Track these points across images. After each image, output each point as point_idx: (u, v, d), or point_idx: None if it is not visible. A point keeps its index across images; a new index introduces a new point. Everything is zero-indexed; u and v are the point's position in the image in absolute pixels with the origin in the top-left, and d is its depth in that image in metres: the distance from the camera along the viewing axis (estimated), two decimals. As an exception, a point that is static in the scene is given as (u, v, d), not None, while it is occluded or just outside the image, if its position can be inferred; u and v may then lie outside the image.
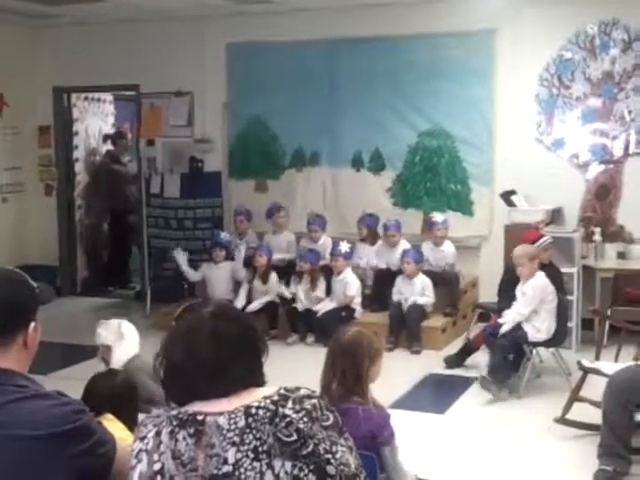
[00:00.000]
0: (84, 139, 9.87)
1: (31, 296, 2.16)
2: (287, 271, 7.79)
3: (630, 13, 7.19)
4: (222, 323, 1.79)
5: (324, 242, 7.90)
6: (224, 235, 7.95)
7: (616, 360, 5.11)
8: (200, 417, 1.69)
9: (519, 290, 5.88)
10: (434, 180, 8.01)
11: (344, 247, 7.37)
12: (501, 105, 7.68)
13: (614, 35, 7.30)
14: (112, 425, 2.69)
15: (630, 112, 7.32)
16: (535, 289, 5.79)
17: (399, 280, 7.27)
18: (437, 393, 6.25)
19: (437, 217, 7.58)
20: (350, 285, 7.32)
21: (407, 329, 7.09)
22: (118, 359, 4.41)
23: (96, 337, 4.56)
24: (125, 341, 4.47)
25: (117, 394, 3.14)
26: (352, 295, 7.31)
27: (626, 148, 7.37)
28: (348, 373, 3.08)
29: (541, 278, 5.83)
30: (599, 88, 7.41)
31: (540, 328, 5.78)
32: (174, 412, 1.72)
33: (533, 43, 7.51)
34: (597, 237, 7.36)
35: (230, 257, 7.80)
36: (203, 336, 1.76)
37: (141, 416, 3.18)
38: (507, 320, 5.84)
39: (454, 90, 7.78)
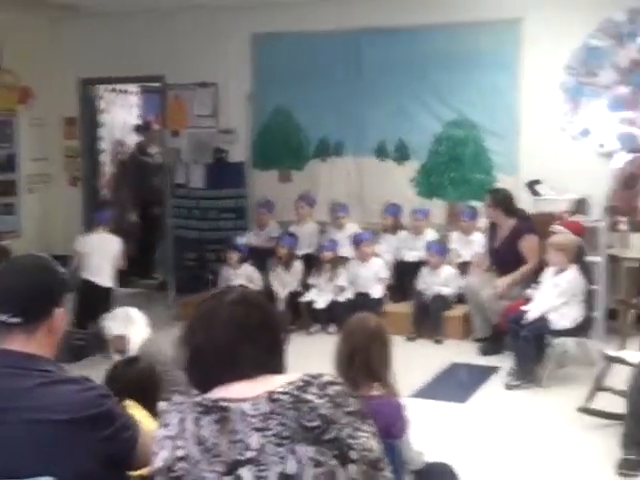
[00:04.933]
0: (110, 130, 9.94)
1: (58, 282, 2.18)
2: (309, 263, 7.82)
3: (658, 0, 7.11)
4: (241, 309, 1.82)
5: (350, 228, 7.93)
6: (240, 239, 7.94)
7: (642, 350, 5.07)
8: (224, 404, 1.71)
9: (549, 280, 5.85)
10: (459, 170, 7.98)
11: (367, 234, 7.49)
12: (526, 94, 7.62)
13: (642, 23, 7.22)
14: (135, 411, 2.71)
15: (658, 100, 7.24)
16: (569, 283, 5.77)
17: (424, 271, 7.29)
18: (459, 382, 6.24)
19: (464, 207, 7.58)
20: (380, 270, 7.38)
21: (430, 319, 7.10)
22: (134, 345, 4.30)
23: (105, 330, 4.51)
24: (136, 325, 4.40)
25: (139, 381, 3.15)
26: (385, 277, 7.36)
27: (654, 137, 7.29)
28: (377, 358, 3.06)
29: (575, 272, 5.80)
30: (627, 76, 7.33)
31: (566, 316, 5.76)
32: (198, 399, 1.74)
33: (559, 31, 7.43)
34: (623, 227, 7.30)
35: (245, 259, 7.77)
36: (221, 320, 1.80)
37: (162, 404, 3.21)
38: (535, 308, 5.82)
39: (479, 79, 7.74)
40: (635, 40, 7.25)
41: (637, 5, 7.19)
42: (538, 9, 7.43)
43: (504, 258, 6.81)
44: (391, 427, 2.98)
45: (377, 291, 7.35)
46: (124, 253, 7.30)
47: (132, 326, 4.38)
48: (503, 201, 6.86)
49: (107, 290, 7.06)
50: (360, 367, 3.03)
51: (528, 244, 6.67)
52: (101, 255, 6.98)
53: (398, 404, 3.07)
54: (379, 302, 7.27)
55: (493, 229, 7.00)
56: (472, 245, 7.47)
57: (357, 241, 7.48)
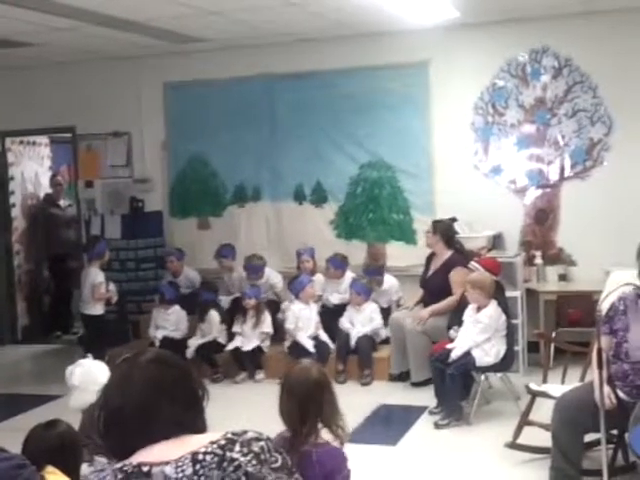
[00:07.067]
0: (20, 184, 9.71)
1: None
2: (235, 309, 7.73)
3: (559, 40, 7.38)
4: (157, 368, 1.79)
5: (267, 275, 7.88)
6: (166, 285, 7.91)
7: (563, 382, 5.15)
8: (146, 468, 1.65)
9: (470, 317, 5.91)
10: (376, 211, 8.07)
11: (305, 276, 7.42)
12: (438, 134, 7.79)
13: (544, 62, 7.48)
14: (56, 478, 2.60)
15: (563, 137, 7.49)
16: (490, 318, 5.82)
17: (349, 310, 7.28)
18: (388, 424, 6.22)
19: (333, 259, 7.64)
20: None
21: (358, 360, 7.08)
22: (75, 402, 4.12)
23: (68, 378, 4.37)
24: (92, 381, 4.16)
25: (60, 445, 3.02)
26: (318, 320, 7.33)
27: (561, 172, 7.52)
28: (328, 405, 3.00)
29: (494, 307, 5.86)
30: (532, 114, 7.57)
31: (489, 352, 5.80)
32: (118, 465, 1.67)
33: (466, 72, 7.66)
34: (538, 260, 7.49)
35: (174, 302, 7.70)
36: (136, 382, 1.76)
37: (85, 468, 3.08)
38: (459, 346, 5.86)
39: (392, 121, 7.88)
40: (539, 79, 7.51)
41: (538, 46, 7.46)
42: (445, 51, 7.64)
43: (434, 288, 6.92)
44: (334, 477, 2.94)
45: (323, 335, 7.31)
46: (102, 284, 7.51)
47: (89, 381, 4.15)
48: (444, 231, 6.98)
49: (92, 317, 7.52)
50: (314, 418, 2.97)
51: (456, 276, 6.74)
52: (86, 287, 7.51)
53: (342, 454, 3.02)
54: (328, 346, 7.24)
55: (428, 261, 7.10)
56: (387, 293, 7.58)
57: (301, 284, 7.34)
